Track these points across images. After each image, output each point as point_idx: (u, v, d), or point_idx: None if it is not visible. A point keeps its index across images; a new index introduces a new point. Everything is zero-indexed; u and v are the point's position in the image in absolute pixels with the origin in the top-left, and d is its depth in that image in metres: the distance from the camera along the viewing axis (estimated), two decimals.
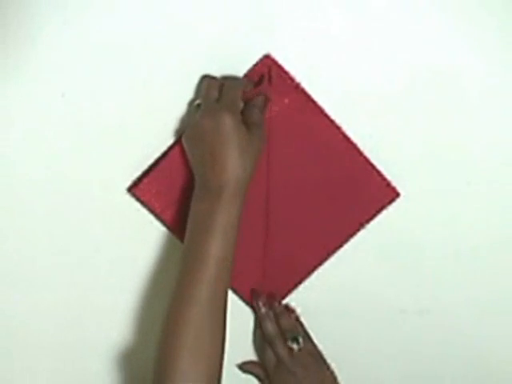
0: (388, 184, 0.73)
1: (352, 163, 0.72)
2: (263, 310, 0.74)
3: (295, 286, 0.76)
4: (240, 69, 0.69)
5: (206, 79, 0.67)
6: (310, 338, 0.75)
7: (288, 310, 0.76)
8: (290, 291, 0.76)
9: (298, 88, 0.70)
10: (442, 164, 0.73)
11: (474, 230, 0.75)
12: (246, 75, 0.69)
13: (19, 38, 0.66)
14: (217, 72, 0.68)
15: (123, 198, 0.71)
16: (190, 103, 0.68)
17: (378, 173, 0.73)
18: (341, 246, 0.75)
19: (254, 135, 0.63)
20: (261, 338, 0.76)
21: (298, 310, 0.76)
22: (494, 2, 0.68)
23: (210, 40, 0.68)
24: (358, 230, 0.75)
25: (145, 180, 0.70)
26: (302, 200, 0.74)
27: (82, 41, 0.67)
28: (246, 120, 0.64)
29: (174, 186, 0.70)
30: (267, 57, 0.69)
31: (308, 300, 0.76)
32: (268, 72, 0.69)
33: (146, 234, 0.73)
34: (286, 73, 0.69)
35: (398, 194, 0.73)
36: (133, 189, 0.71)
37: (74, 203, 0.71)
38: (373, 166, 0.73)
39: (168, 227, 0.73)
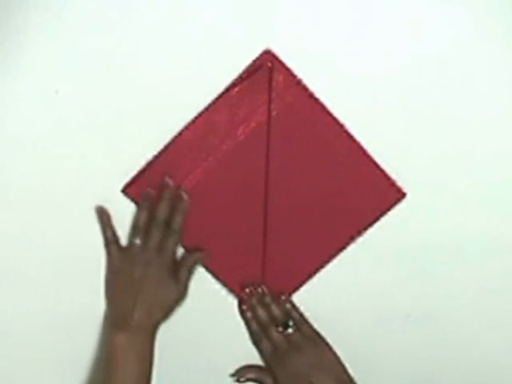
0: (393, 184, 0.71)
1: (356, 162, 0.71)
2: (253, 299, 0.74)
3: (297, 287, 0.75)
4: (240, 64, 0.68)
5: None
6: (306, 321, 0.74)
7: (278, 297, 0.74)
8: (292, 293, 0.75)
9: (299, 84, 0.68)
10: (449, 164, 0.71)
11: (481, 232, 0.73)
12: (245, 71, 0.68)
13: (13, 36, 0.66)
14: (216, 67, 0.67)
15: (118, 199, 0.71)
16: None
17: (383, 172, 0.71)
18: (345, 247, 0.73)
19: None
20: (255, 331, 0.74)
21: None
22: None
23: (210, 35, 0.67)
24: (363, 231, 0.73)
25: (139, 181, 0.70)
26: (304, 200, 0.72)
27: (77, 38, 0.66)
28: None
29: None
30: (268, 52, 0.67)
31: (311, 303, 0.75)
32: (269, 68, 0.67)
33: None
34: (287, 69, 0.68)
35: (403, 195, 0.72)
36: (127, 189, 0.71)
37: (69, 203, 0.71)
38: (377, 166, 0.71)
39: None
